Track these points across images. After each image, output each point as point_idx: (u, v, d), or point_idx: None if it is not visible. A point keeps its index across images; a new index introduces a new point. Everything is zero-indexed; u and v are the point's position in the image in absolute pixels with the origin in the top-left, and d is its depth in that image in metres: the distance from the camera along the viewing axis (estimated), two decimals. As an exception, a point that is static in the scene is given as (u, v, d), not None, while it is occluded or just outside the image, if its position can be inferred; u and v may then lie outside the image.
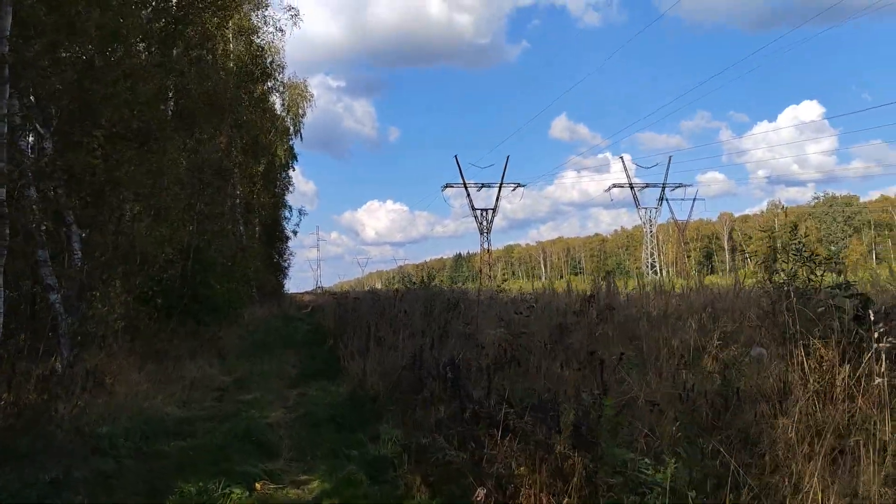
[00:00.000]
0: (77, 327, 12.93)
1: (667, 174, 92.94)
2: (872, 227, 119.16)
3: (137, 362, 13.25)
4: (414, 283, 21.70)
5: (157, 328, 16.55)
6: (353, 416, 9.01)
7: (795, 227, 8.64)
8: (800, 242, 8.44)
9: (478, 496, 4.05)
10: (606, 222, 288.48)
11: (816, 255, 8.31)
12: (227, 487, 6.05)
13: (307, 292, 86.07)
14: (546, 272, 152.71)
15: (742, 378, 5.13)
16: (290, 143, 49.18)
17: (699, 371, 5.73)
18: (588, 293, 8.74)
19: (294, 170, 52.22)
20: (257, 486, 6.21)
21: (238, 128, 25.66)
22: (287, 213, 52.64)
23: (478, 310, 11.57)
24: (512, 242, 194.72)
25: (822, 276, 8.23)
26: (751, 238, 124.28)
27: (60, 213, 13.41)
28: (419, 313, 12.79)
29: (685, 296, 15.52)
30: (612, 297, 10.39)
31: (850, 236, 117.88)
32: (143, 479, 6.63)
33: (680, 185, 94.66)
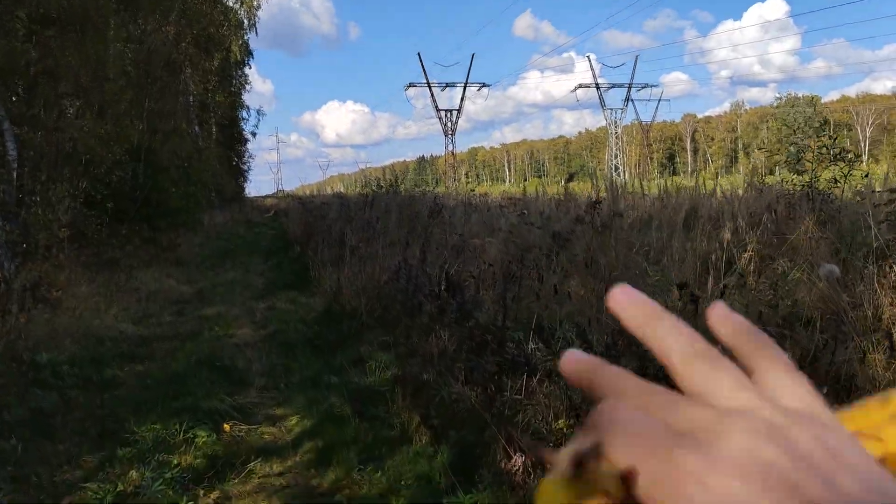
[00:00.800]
0: (16, 236, 11.60)
1: (633, 74, 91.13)
2: (832, 127, 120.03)
3: (87, 274, 12.05)
4: (381, 186, 20.51)
5: (107, 235, 15.25)
6: (331, 335, 8.08)
7: (825, 122, 7.67)
8: (831, 138, 7.50)
9: (515, 464, 3.18)
10: (570, 124, 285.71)
11: (847, 152, 7.41)
12: (190, 430, 5.12)
13: (269, 196, 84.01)
14: (510, 175, 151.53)
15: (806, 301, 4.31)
16: (246, 38, 46.28)
17: (745, 293, 4.84)
18: (592, 197, 7.83)
19: (250, 67, 49.42)
20: (226, 426, 5.28)
21: (187, 17, 23.45)
22: (245, 114, 50.14)
23: (462, 217, 10.57)
24: (476, 145, 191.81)
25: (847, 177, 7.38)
26: (713, 139, 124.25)
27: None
28: (395, 220, 11.74)
29: (662, 199, 14.60)
30: (616, 202, 9.44)
31: (810, 137, 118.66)
32: (92, 418, 5.65)
33: (646, 86, 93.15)
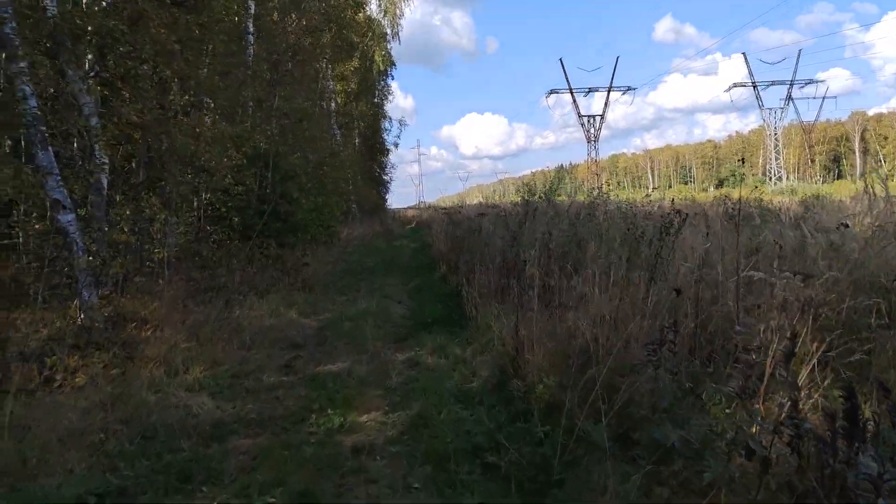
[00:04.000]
0: (100, 262, 8.90)
1: (795, 71, 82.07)
2: None
3: (184, 307, 9.22)
4: (533, 194, 16.82)
5: (221, 256, 12.59)
6: (517, 439, 4.50)
7: None
8: None
9: None
10: (715, 128, 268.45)
11: None
12: None
13: (410, 207, 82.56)
14: (654, 181, 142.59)
15: None
16: (388, 48, 44.42)
17: None
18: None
19: (392, 78, 47.49)
20: None
21: (325, 15, 20.92)
22: (387, 125, 48.31)
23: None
24: (615, 152, 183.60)
25: None
26: (886, 139, 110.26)
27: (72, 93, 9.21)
28: (590, 237, 8.00)
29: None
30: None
31: None
32: None
33: (810, 82, 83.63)
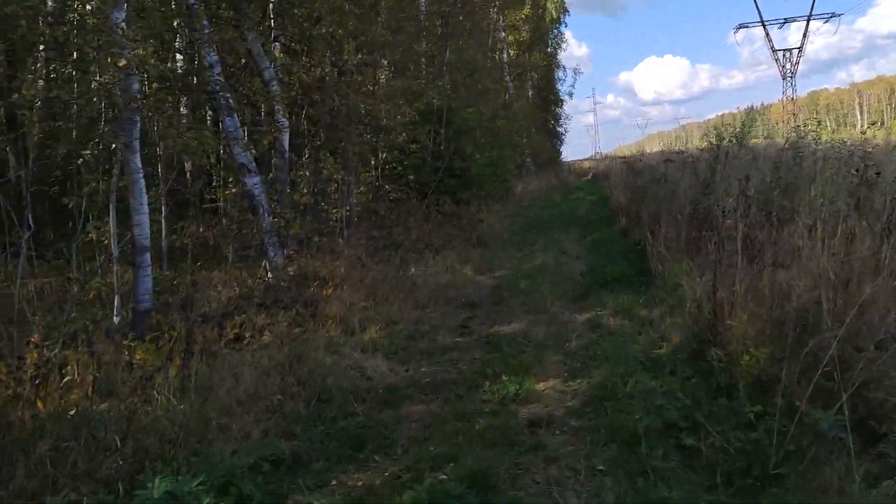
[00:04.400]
0: (283, 223, 9.17)
1: None
2: None
3: (360, 267, 9.29)
4: (722, 139, 15.15)
5: (399, 214, 12.66)
6: (717, 419, 3.85)
7: None
8: None
9: None
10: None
11: None
12: None
13: (585, 159, 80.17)
14: (862, 119, 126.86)
15: None
16: (561, -7, 42.76)
17: None
18: None
19: (565, 26, 45.59)
20: None
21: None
22: (560, 75, 46.75)
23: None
24: (815, 88, 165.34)
25: None
26: None
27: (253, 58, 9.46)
28: (802, 183, 6.90)
29: None
30: None
31: None
32: None
33: None
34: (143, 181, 6.70)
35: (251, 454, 3.78)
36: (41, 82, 11.54)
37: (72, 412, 4.23)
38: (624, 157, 20.36)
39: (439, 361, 6.03)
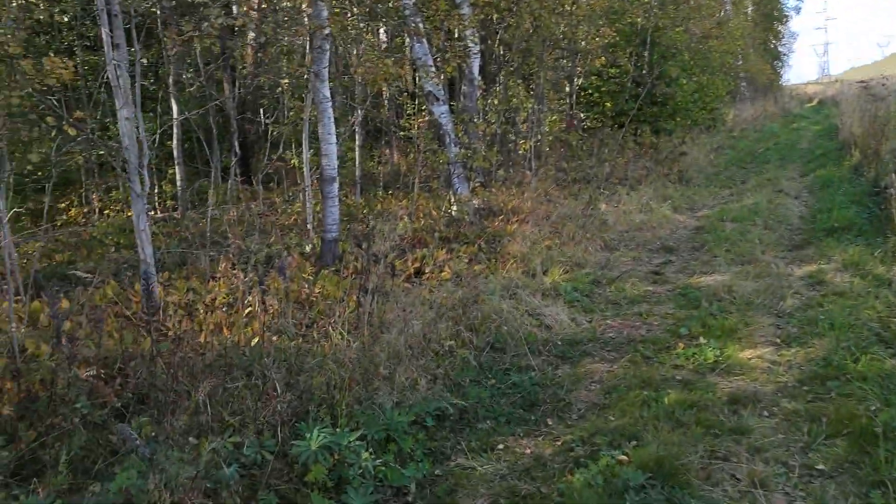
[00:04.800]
0: (470, 153, 8.86)
1: None
2: None
3: (547, 202, 8.78)
4: None
5: (591, 144, 11.86)
6: None
7: None
8: None
9: None
10: None
11: None
12: None
13: (810, 83, 71.52)
14: None
15: None
16: None
17: None
18: None
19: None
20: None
21: None
22: (787, -15, 41.37)
23: None
24: None
25: None
26: None
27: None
28: None
29: None
30: None
31: None
32: None
33: None
34: (331, 110, 6.65)
35: (415, 408, 3.56)
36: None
37: (253, 342, 4.30)
38: (861, 81, 17.53)
39: (627, 314, 5.45)
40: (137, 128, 5.42)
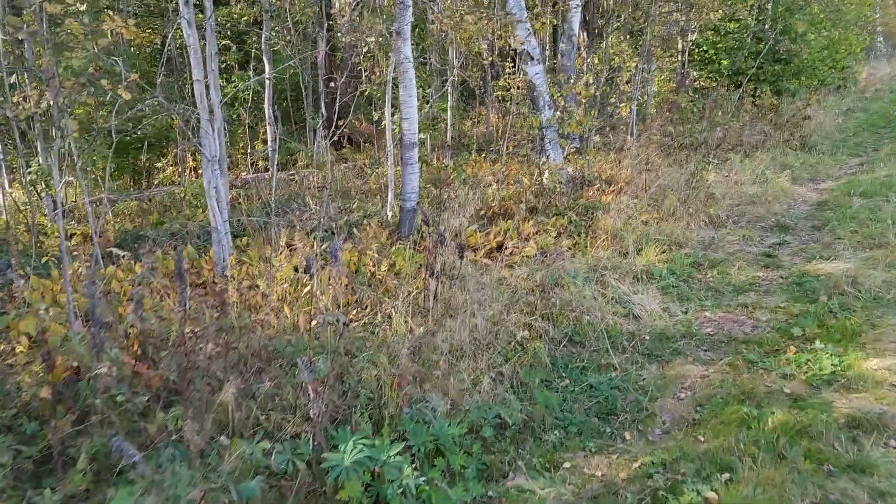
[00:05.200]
0: (566, 116, 8.22)
1: None
2: None
3: (646, 171, 8.02)
4: None
5: (703, 106, 10.82)
6: None
7: None
8: None
9: None
10: None
11: None
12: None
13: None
14: None
15: None
16: None
17: None
18: None
19: None
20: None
21: None
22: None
23: None
24: None
25: None
26: None
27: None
28: None
29: None
30: None
31: None
32: None
33: None
34: (412, 71, 6.21)
35: (472, 414, 3.15)
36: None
37: (312, 324, 4.01)
38: None
39: (729, 305, 4.78)
40: (208, 88, 5.21)
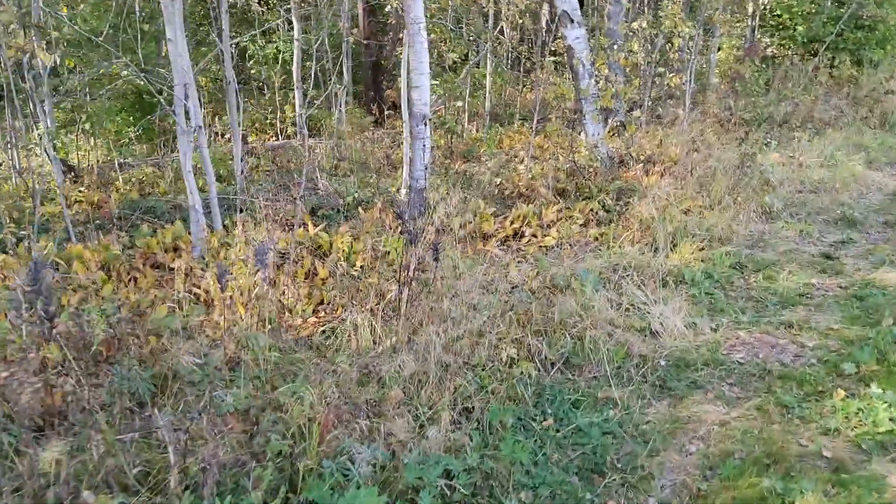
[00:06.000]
0: (610, 87, 7.32)
1: None
2: None
3: (693, 151, 7.07)
4: None
5: (770, 77, 9.64)
6: None
7: None
8: None
9: None
10: None
11: None
12: None
13: None
14: None
15: None
16: None
17: None
18: None
19: None
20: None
21: None
22: None
23: None
24: None
25: None
26: None
27: None
28: None
29: None
30: None
31: None
32: None
33: None
34: (424, 34, 5.44)
35: (409, 471, 2.48)
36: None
37: (268, 328, 3.43)
38: None
39: (770, 322, 3.94)
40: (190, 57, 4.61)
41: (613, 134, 7.72)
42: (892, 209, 6.09)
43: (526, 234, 5.53)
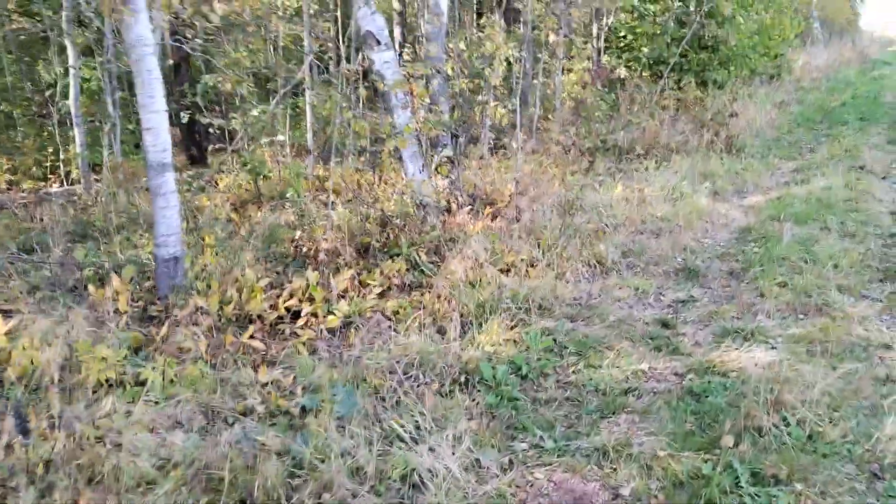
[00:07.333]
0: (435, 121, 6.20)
1: None
2: None
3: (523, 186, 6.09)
4: None
5: (614, 102, 8.95)
6: None
7: None
8: None
9: None
10: None
11: None
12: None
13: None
14: None
15: None
16: None
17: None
18: None
19: None
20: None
21: None
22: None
23: None
24: None
25: None
26: None
27: None
28: None
29: None
30: None
31: None
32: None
33: None
34: (151, 60, 4.08)
35: None
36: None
37: None
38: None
39: (581, 450, 2.83)
40: None
41: (439, 172, 6.63)
42: (736, 254, 5.29)
43: (302, 315, 4.24)
